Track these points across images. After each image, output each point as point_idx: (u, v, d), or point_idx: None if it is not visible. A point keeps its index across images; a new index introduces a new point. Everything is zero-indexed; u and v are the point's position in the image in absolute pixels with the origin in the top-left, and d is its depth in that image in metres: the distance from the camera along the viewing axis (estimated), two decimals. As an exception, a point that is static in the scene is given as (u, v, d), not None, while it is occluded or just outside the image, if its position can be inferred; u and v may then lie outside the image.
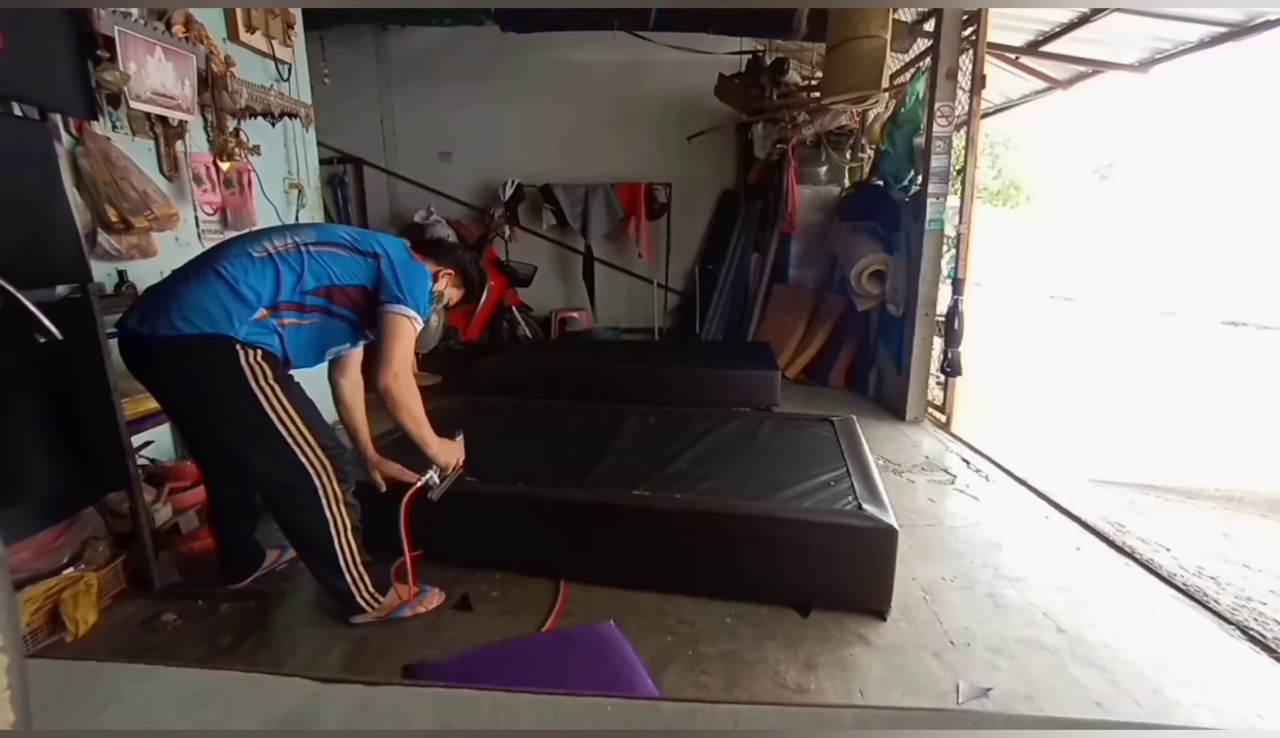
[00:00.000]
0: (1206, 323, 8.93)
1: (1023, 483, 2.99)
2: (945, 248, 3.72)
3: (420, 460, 1.91)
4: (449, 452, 1.93)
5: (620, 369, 4.14)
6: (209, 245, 2.48)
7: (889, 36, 3.95)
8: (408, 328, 1.73)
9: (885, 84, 4.12)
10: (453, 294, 2.00)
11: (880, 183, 4.51)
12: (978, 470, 3.13)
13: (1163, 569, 2.25)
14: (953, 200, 3.65)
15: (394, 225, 6.04)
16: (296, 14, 3.28)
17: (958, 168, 3.67)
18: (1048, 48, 4.08)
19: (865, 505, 1.98)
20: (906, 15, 4.23)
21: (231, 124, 2.73)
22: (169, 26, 2.36)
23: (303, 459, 1.66)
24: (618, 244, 6.27)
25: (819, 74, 5.22)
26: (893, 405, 4.05)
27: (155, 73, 2.26)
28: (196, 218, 2.64)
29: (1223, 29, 3.31)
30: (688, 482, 2.20)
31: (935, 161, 3.58)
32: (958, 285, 3.64)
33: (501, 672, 1.44)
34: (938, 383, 3.94)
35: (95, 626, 1.81)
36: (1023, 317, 9.15)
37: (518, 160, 5.98)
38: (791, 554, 1.92)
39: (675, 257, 6.29)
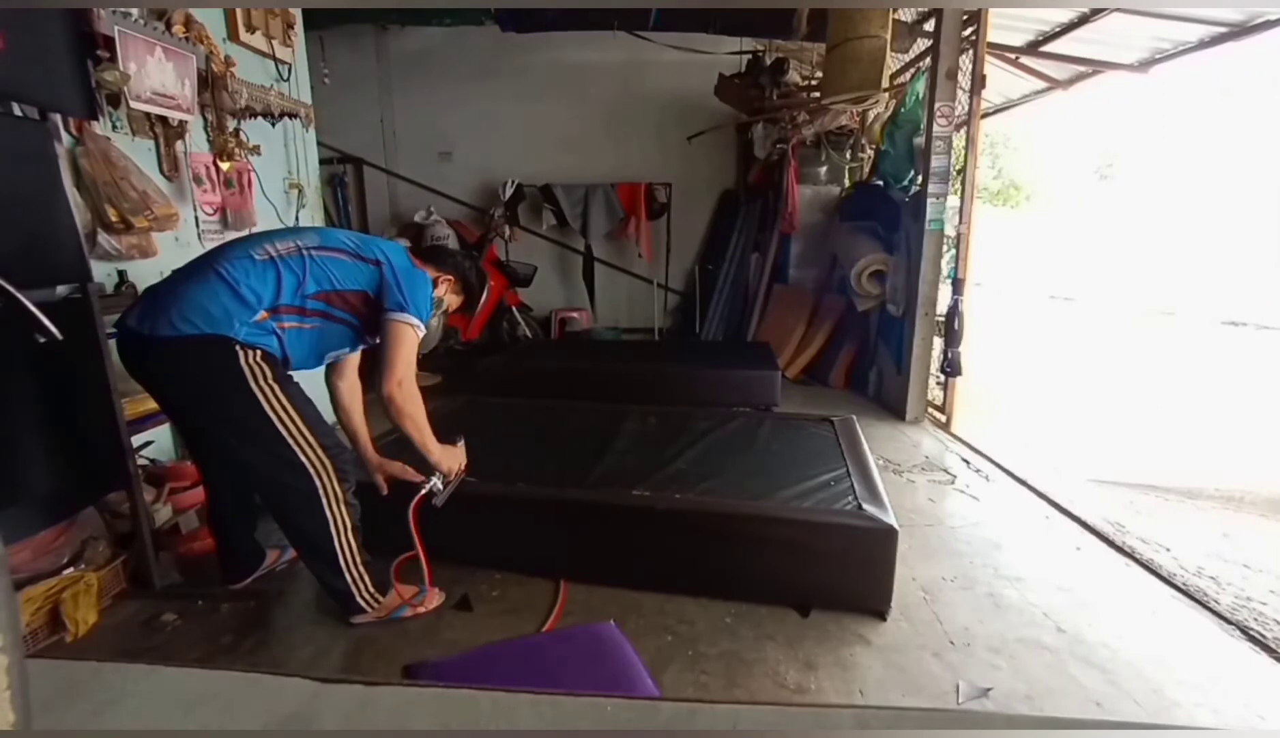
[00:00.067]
0: (1206, 323, 8.93)
1: (1023, 483, 2.99)
2: (945, 248, 3.72)
3: (420, 461, 1.91)
4: (451, 458, 1.94)
5: (620, 369, 4.14)
6: (209, 245, 2.49)
7: (889, 36, 3.94)
8: (410, 335, 1.73)
9: (885, 84, 4.12)
10: (453, 300, 2.01)
11: (880, 183, 4.51)
12: (978, 470, 3.13)
13: (1163, 569, 2.25)
14: (953, 200, 3.65)
15: (394, 225, 6.05)
16: (296, 14, 3.28)
17: (958, 168, 3.67)
18: (1048, 48, 4.07)
19: (865, 505, 1.98)
20: (906, 15, 4.23)
21: (231, 124, 2.73)
22: (169, 26, 2.36)
23: (303, 459, 1.66)
24: (618, 244, 6.27)
25: (819, 74, 5.21)
26: (893, 405, 4.05)
27: (155, 73, 2.26)
28: (196, 218, 2.64)
29: (1223, 29, 3.31)
30: (688, 482, 2.20)
31: (935, 161, 3.58)
32: (958, 285, 3.65)
33: (501, 672, 1.44)
34: (938, 383, 3.94)
35: (95, 626, 1.81)
36: (1023, 317, 9.14)
37: (518, 160, 5.97)
38: (791, 554, 1.92)
39: (675, 257, 6.29)
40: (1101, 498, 2.95)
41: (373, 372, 1.78)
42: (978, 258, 3.70)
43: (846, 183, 5.26)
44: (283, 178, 3.25)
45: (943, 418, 3.86)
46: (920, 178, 3.81)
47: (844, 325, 4.76)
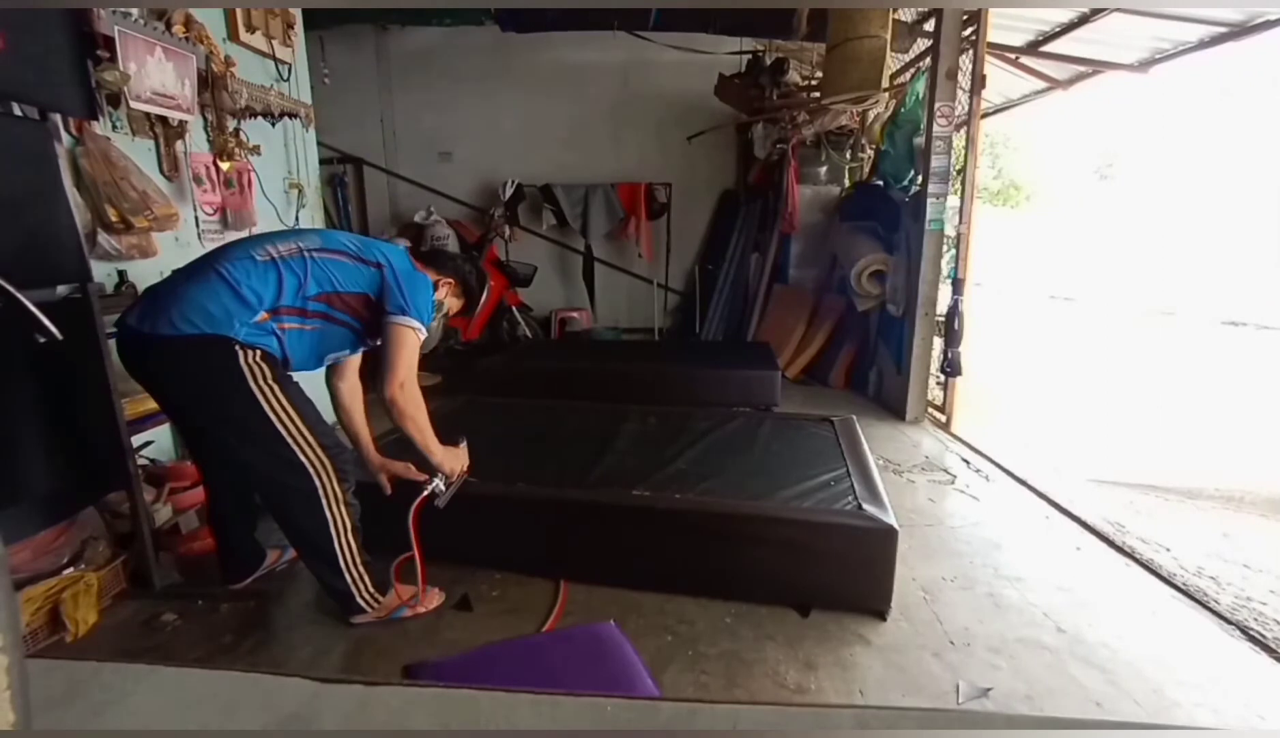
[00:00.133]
0: (1206, 323, 8.93)
1: (1023, 483, 2.98)
2: (945, 248, 3.72)
3: (421, 461, 1.91)
4: (454, 459, 1.94)
5: (620, 369, 4.14)
6: (209, 245, 2.50)
7: (889, 36, 3.94)
8: (412, 338, 1.74)
9: (885, 84, 4.12)
10: (453, 303, 2.01)
11: (880, 183, 4.51)
12: (978, 470, 3.13)
13: (1163, 569, 2.25)
14: (953, 200, 3.65)
15: (394, 225, 6.05)
16: (296, 14, 3.28)
17: (958, 168, 3.67)
18: (1048, 48, 4.07)
19: (865, 505, 1.98)
20: (906, 15, 4.23)
21: (231, 124, 2.73)
22: (169, 26, 2.36)
23: (302, 459, 1.66)
24: (618, 244, 6.27)
25: (819, 74, 5.21)
26: (893, 405, 4.05)
27: (155, 73, 2.26)
28: (196, 218, 2.64)
29: (1223, 29, 3.31)
30: (688, 482, 2.20)
31: (935, 161, 3.58)
32: (958, 285, 3.65)
33: (501, 672, 1.44)
34: (938, 383, 3.94)
35: (95, 626, 1.81)
36: (1023, 317, 9.14)
37: (518, 160, 5.97)
38: (791, 554, 1.92)
39: (675, 257, 6.29)
40: (1101, 498, 2.95)
41: (374, 374, 1.78)
42: (978, 258, 3.70)
43: (846, 183, 5.26)
44: (283, 178, 3.25)
45: (943, 418, 3.86)
46: (920, 178, 3.81)
47: (844, 325, 4.76)
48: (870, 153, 4.91)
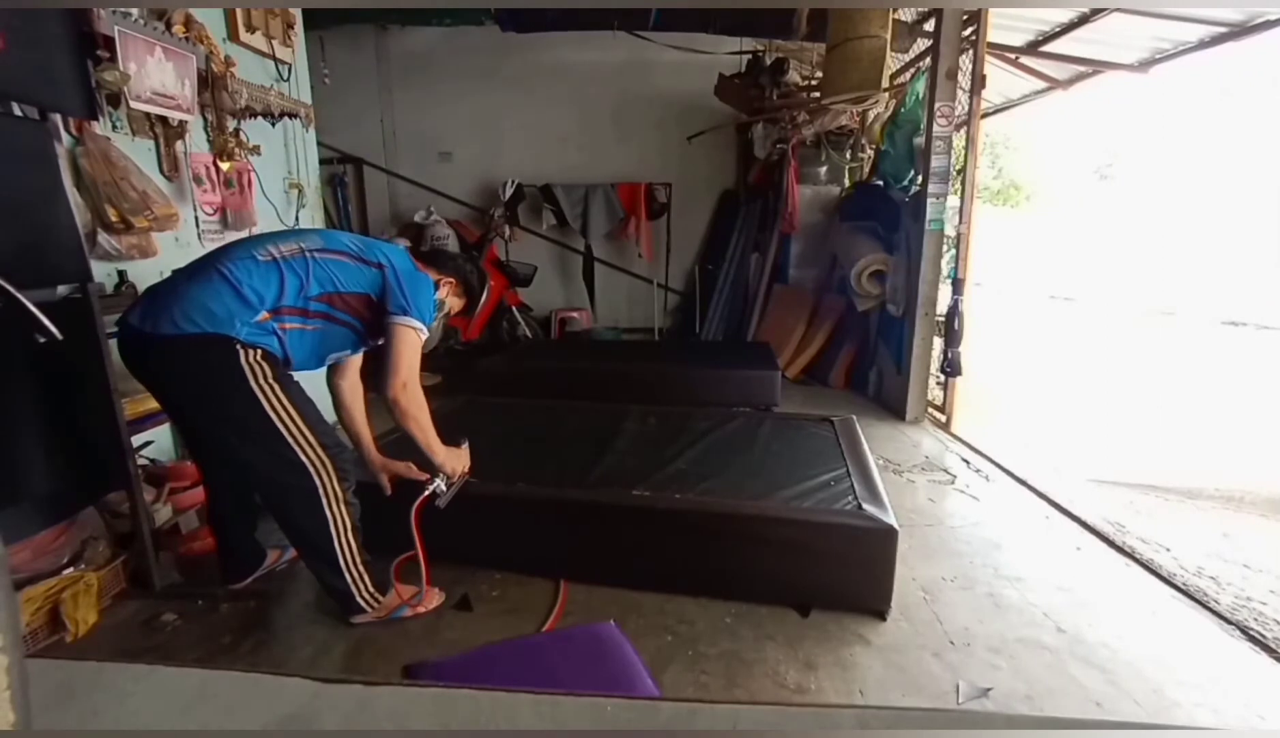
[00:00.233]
0: (1206, 323, 8.93)
1: (1023, 483, 2.98)
2: (945, 248, 3.72)
3: (422, 460, 1.91)
4: (455, 460, 1.95)
5: (620, 369, 4.14)
6: (209, 245, 2.50)
7: (889, 36, 3.94)
8: (414, 339, 1.74)
9: (885, 84, 4.12)
10: (454, 303, 2.01)
11: (880, 183, 4.51)
12: (978, 470, 3.13)
13: (1163, 569, 2.25)
14: (953, 200, 3.65)
15: (394, 225, 6.05)
16: (296, 14, 3.28)
17: (958, 168, 3.67)
18: (1048, 48, 4.07)
19: (865, 505, 1.97)
20: (906, 15, 4.23)
21: (231, 124, 2.73)
22: (169, 26, 2.36)
23: (303, 458, 1.66)
24: (618, 244, 6.27)
25: (819, 74, 5.21)
26: (893, 405, 4.05)
27: (155, 73, 2.26)
28: (196, 218, 2.64)
29: (1223, 29, 3.31)
30: (688, 482, 2.20)
31: (935, 161, 3.58)
32: (958, 285, 3.64)
33: (501, 672, 1.44)
34: (938, 383, 3.94)
35: (95, 626, 1.81)
36: (1023, 317, 9.14)
37: (518, 160, 5.98)
38: (791, 554, 1.92)
39: (675, 257, 6.29)
40: (1101, 498, 2.95)
41: (376, 374, 1.78)
42: (978, 258, 3.70)
43: (846, 183, 5.26)
44: (283, 178, 3.25)
45: (943, 418, 3.86)
46: (920, 178, 3.81)
47: (844, 325, 4.76)
48: (870, 153, 4.91)
